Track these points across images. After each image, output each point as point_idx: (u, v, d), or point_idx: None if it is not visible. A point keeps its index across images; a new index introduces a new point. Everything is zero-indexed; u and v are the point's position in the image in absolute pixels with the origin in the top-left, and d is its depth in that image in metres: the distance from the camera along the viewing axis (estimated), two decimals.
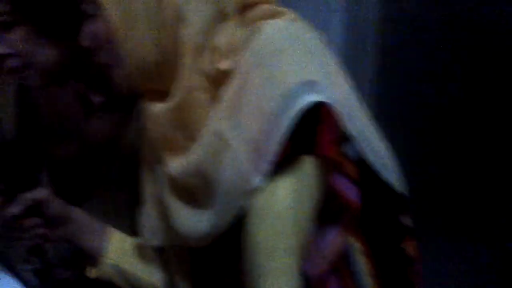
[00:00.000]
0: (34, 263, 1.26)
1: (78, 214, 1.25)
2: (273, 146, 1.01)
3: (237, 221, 1.06)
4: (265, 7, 1.11)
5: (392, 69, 2.33)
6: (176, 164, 1.12)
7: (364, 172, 1.08)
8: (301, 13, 1.15)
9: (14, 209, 1.19)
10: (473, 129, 2.25)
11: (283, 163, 1.02)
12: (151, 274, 1.25)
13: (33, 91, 1.38)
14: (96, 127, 1.36)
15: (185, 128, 1.10)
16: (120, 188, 1.34)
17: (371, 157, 1.09)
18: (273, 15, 1.11)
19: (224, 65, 1.07)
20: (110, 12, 1.06)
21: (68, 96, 1.38)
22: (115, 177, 1.35)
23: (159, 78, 1.10)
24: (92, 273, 1.26)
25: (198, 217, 1.11)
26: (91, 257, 1.26)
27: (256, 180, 1.02)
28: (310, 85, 1.02)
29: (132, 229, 1.28)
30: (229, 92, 1.07)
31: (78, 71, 1.34)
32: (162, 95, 1.12)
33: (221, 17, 1.08)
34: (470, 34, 2.21)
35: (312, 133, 1.01)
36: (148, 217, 1.22)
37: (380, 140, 1.14)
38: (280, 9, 1.13)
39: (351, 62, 1.15)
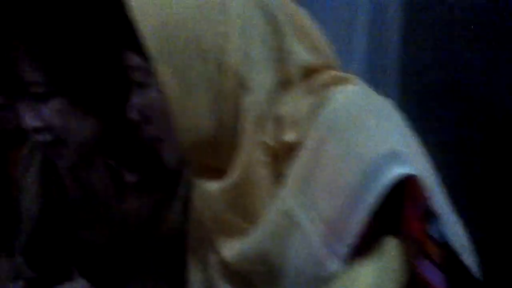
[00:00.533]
0: None
1: None
2: (354, 226, 0.90)
3: None
4: (331, 73, 1.01)
5: (414, 92, 2.24)
6: (230, 249, 1.01)
7: (447, 255, 0.97)
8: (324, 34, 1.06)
9: None
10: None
11: (364, 245, 0.91)
12: None
13: (60, 169, 1.27)
14: (130, 208, 1.24)
15: (243, 208, 0.99)
16: (160, 278, 1.21)
17: (452, 238, 0.98)
18: (340, 81, 1.01)
19: (290, 137, 0.97)
20: (165, 80, 0.96)
21: (99, 174, 1.26)
22: (154, 265, 1.21)
23: (214, 153, 0.99)
24: None
25: None
26: None
27: (333, 265, 0.91)
28: (393, 157, 0.91)
29: None
30: (297, 167, 0.96)
31: (111, 147, 1.22)
32: (216, 171, 1.01)
33: (285, 84, 0.98)
34: (494, 55, 2.14)
35: (396, 210, 0.90)
36: None
37: (456, 218, 1.04)
38: (345, 74, 1.03)
39: (372, 84, 1.06)
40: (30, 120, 1.14)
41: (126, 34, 0.98)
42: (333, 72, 1.02)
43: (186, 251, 1.13)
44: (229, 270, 1.02)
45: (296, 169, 0.96)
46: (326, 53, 1.02)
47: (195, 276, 1.10)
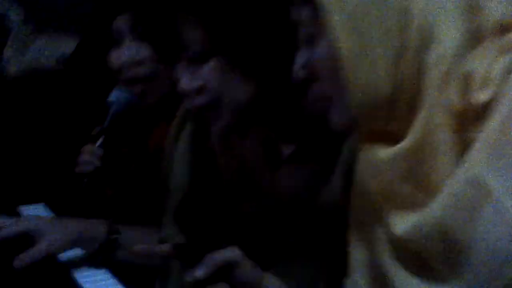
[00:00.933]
0: None
1: (271, 282, 1.04)
2: None
3: None
4: None
5: None
6: (403, 223, 0.91)
7: None
8: None
9: (200, 272, 0.98)
10: None
11: None
12: None
13: (213, 137, 1.21)
14: (284, 181, 1.17)
15: (419, 177, 0.89)
16: (317, 256, 1.12)
17: None
18: None
19: (480, 97, 0.85)
20: (338, 34, 0.87)
21: (252, 145, 1.19)
22: (311, 242, 1.12)
23: (390, 115, 0.90)
24: None
25: None
26: None
27: None
28: None
29: None
30: (489, 130, 0.84)
31: (268, 115, 1.15)
32: (389, 137, 0.92)
33: (475, 39, 0.87)
34: None
35: None
36: None
37: None
38: None
39: None
40: (186, 81, 1.11)
41: None
42: None
43: (347, 227, 1.04)
44: (401, 248, 0.92)
45: (487, 133, 0.84)
46: None
47: (358, 255, 1.01)
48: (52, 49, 2.07)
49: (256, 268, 1.03)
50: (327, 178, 1.13)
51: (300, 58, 0.96)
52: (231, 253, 1.01)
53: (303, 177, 1.16)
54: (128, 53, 1.42)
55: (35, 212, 1.61)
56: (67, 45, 2.08)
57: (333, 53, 0.89)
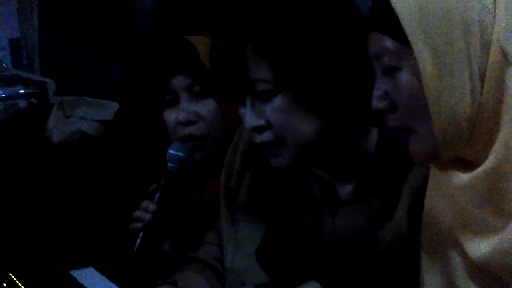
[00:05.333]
0: None
1: None
2: None
3: None
4: None
5: None
6: (481, 247, 0.93)
7: None
8: None
9: None
10: None
11: None
12: None
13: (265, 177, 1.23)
14: (342, 224, 1.18)
15: (497, 202, 0.91)
16: (385, 286, 1.13)
17: None
18: None
19: None
20: (422, 61, 0.90)
21: (310, 187, 1.21)
22: (377, 274, 1.13)
23: (468, 141, 0.92)
24: None
25: None
26: None
27: None
28: None
29: None
30: None
31: (328, 155, 1.16)
32: (465, 163, 0.94)
33: None
34: None
35: None
36: None
37: None
38: None
39: None
40: (252, 119, 1.12)
41: (378, 16, 0.95)
42: None
43: (421, 253, 1.05)
44: (478, 271, 0.95)
45: None
46: None
47: (433, 280, 1.03)
48: (92, 115, 2.13)
49: None
50: (390, 213, 1.13)
51: (378, 89, 0.97)
52: (313, 286, 1.03)
53: (365, 216, 1.16)
54: (185, 111, 1.47)
55: (86, 275, 1.62)
56: (107, 111, 2.14)
57: (415, 82, 0.92)
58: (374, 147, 1.17)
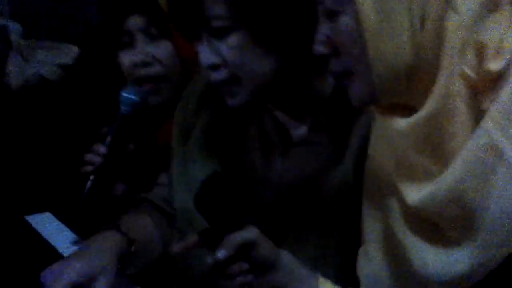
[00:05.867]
0: None
1: (287, 259, 1.05)
2: None
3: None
4: None
5: None
6: (417, 192, 0.93)
7: None
8: None
9: (221, 253, 0.99)
10: None
11: None
12: None
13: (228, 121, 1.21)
14: (292, 166, 1.17)
15: (435, 147, 0.91)
16: (330, 230, 1.14)
17: None
18: None
19: (495, 65, 0.87)
20: (363, 8, 0.88)
21: (264, 126, 1.20)
22: (325, 217, 1.14)
23: (408, 87, 0.91)
24: None
25: (451, 256, 0.91)
26: None
27: None
28: None
29: (343, 278, 1.08)
30: (502, 97, 0.87)
31: (283, 94, 1.16)
32: (404, 110, 0.94)
33: (491, 7, 0.88)
34: None
35: None
36: (371, 261, 1.03)
37: None
38: None
39: None
40: (207, 56, 1.11)
41: None
42: None
43: (359, 201, 1.05)
44: (415, 217, 0.95)
45: (500, 100, 0.87)
46: None
47: (372, 226, 1.04)
48: (52, 59, 2.09)
49: (273, 246, 1.04)
50: (339, 158, 1.13)
51: (320, 34, 0.96)
52: (249, 233, 1.01)
53: (315, 158, 1.16)
54: (141, 53, 1.45)
55: (42, 220, 1.61)
56: (67, 55, 2.10)
57: (355, 27, 0.90)
58: (330, 90, 1.16)
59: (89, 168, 1.39)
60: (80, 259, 1.12)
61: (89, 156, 1.40)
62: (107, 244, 1.17)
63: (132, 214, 1.31)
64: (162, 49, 1.45)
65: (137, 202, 1.36)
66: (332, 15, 0.93)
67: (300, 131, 1.18)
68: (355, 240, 1.07)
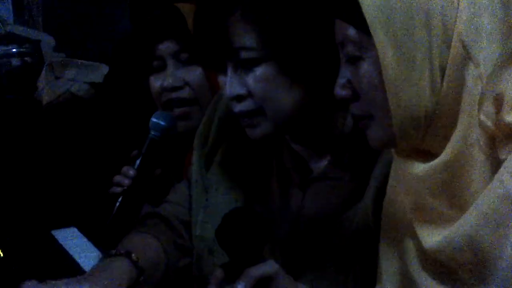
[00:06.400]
0: None
1: None
2: None
3: None
4: None
5: None
6: (433, 236, 0.96)
7: None
8: None
9: (242, 286, 1.00)
10: None
11: None
12: None
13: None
14: (315, 199, 1.19)
15: (452, 193, 0.94)
16: (348, 267, 1.15)
17: None
18: None
19: (510, 118, 0.89)
20: (383, 52, 0.91)
21: (285, 160, 1.22)
22: (341, 254, 1.16)
23: (428, 132, 0.94)
24: None
25: None
26: None
27: None
28: None
29: None
30: None
31: (303, 130, 1.17)
32: (424, 154, 0.96)
33: (510, 59, 0.91)
34: None
35: None
36: None
37: None
38: None
39: None
40: (233, 87, 1.12)
41: (343, 4, 0.95)
42: None
43: (377, 240, 1.08)
44: (430, 259, 0.97)
45: None
46: None
47: (388, 265, 1.06)
48: (82, 77, 2.13)
49: (292, 281, 1.06)
50: (360, 195, 1.15)
51: (341, 77, 0.98)
52: (269, 267, 1.03)
53: (335, 194, 1.18)
54: (172, 77, 1.49)
55: (67, 235, 1.64)
56: (96, 73, 2.14)
57: (375, 73, 0.93)
58: (352, 126, 1.18)
59: (118, 189, 1.42)
60: (92, 285, 1.13)
61: (118, 178, 1.43)
62: (117, 273, 1.18)
63: (139, 236, 1.31)
64: (192, 74, 1.49)
65: (147, 216, 1.37)
66: (354, 60, 0.95)
67: (320, 165, 1.20)
68: (372, 278, 1.09)
